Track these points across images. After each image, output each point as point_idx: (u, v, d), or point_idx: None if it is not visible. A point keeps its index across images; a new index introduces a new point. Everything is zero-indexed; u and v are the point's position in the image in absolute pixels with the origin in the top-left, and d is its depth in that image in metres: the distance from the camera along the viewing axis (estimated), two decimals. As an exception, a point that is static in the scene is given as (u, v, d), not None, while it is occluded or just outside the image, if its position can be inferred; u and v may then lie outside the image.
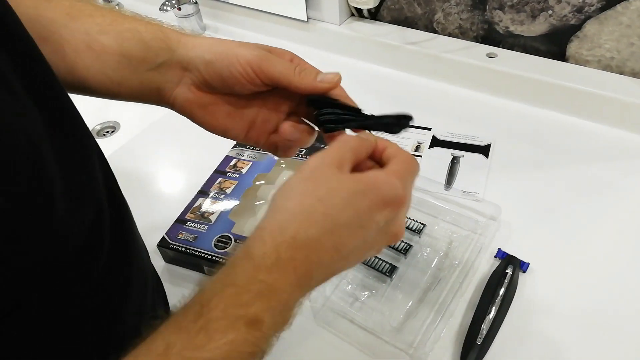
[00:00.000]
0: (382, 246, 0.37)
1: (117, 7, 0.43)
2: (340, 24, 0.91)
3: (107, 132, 0.89)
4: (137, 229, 0.43)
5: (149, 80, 0.41)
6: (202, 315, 0.29)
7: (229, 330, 0.29)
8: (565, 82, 0.74)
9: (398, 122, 0.40)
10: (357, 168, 0.36)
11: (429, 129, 0.75)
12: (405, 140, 0.74)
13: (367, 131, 0.39)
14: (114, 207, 0.37)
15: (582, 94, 0.73)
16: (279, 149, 0.44)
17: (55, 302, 0.30)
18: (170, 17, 1.01)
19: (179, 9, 0.98)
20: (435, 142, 0.73)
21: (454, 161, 0.70)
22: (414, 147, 0.73)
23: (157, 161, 0.76)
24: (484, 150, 0.71)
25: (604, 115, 0.73)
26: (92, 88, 0.41)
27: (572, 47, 0.76)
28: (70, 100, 0.33)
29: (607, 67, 0.75)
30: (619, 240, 0.59)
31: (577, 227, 0.60)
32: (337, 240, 0.33)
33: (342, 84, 0.41)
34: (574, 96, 0.74)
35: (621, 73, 0.75)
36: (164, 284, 0.54)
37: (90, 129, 0.90)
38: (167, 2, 0.97)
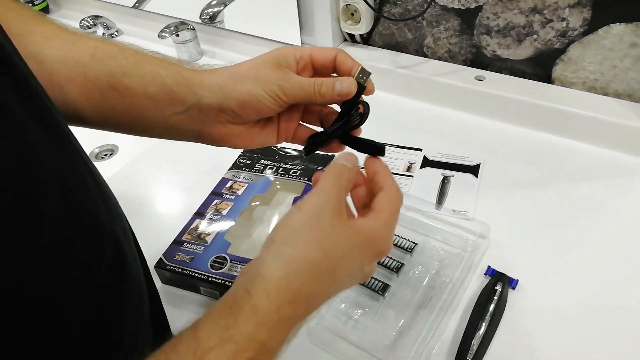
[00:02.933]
0: (357, 283, 0.42)
1: (139, 48, 0.45)
2: (333, 49, 0.94)
3: (106, 154, 0.91)
4: (136, 250, 0.44)
5: (179, 123, 0.44)
6: None
7: None
8: (551, 103, 0.77)
9: (372, 150, 0.44)
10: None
11: (420, 150, 0.77)
12: (397, 161, 0.76)
13: (349, 156, 0.41)
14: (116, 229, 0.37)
15: (568, 114, 0.76)
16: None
17: (47, 319, 0.30)
18: (168, 43, 1.04)
19: (177, 35, 1.01)
20: (426, 163, 0.75)
21: (445, 181, 0.72)
22: (406, 167, 0.75)
23: (155, 183, 0.77)
24: (474, 170, 0.73)
25: (589, 135, 0.75)
26: (120, 127, 0.45)
27: (557, 70, 0.79)
28: (69, 130, 0.34)
29: (591, 89, 0.78)
30: (606, 257, 0.60)
31: (565, 245, 0.62)
32: (332, 288, 0.37)
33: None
34: (560, 117, 0.76)
35: (605, 94, 0.77)
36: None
37: (89, 152, 0.93)
38: (165, 29, 1.00)
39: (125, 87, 0.42)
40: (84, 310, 0.32)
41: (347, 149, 0.45)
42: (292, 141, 0.49)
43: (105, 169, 0.82)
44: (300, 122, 0.48)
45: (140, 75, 0.43)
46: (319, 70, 0.45)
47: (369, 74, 0.43)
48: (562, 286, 0.57)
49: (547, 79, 0.81)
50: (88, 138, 0.45)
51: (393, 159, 0.76)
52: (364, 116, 0.44)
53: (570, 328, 0.53)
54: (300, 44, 0.95)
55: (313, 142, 0.47)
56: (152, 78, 0.43)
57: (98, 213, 0.34)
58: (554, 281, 0.58)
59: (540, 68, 0.80)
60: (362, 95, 0.44)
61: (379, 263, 0.59)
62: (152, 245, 0.63)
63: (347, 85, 0.42)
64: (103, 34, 1.16)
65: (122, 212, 0.40)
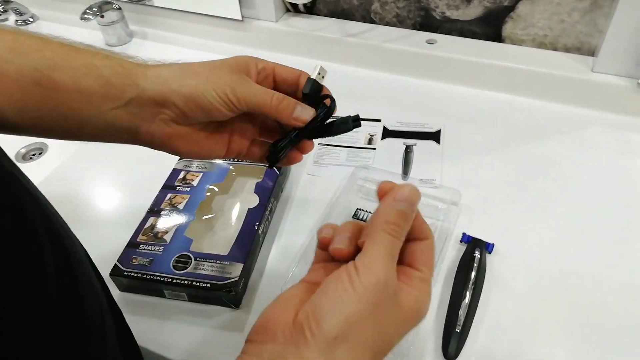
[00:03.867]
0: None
1: (67, 40, 0.39)
2: (276, 21, 0.89)
3: (34, 154, 0.82)
4: (90, 270, 0.38)
5: (116, 119, 0.38)
6: None
7: None
8: (503, 62, 0.76)
9: (346, 126, 0.42)
10: None
11: (379, 120, 0.75)
12: (357, 134, 0.73)
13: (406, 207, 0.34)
14: (58, 250, 0.32)
15: (521, 72, 0.75)
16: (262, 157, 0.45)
17: None
18: (93, 26, 0.95)
19: (102, 16, 0.92)
20: (387, 133, 0.73)
21: (408, 150, 0.70)
22: (367, 139, 0.72)
23: (97, 183, 0.70)
24: (435, 136, 0.72)
25: (543, 92, 0.75)
26: (47, 130, 0.38)
27: (507, 28, 0.78)
28: None
29: (541, 45, 0.78)
30: (573, 209, 0.60)
31: (533, 202, 0.62)
32: None
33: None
34: (514, 75, 0.76)
35: (555, 49, 0.77)
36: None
37: (15, 152, 0.83)
38: (87, 11, 0.90)
39: (54, 82, 0.36)
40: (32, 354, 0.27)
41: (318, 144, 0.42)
42: (246, 158, 0.46)
43: (35, 171, 0.74)
44: (257, 137, 0.45)
45: (71, 68, 0.37)
46: (280, 87, 0.42)
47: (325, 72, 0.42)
48: (536, 243, 0.57)
49: (498, 38, 0.80)
50: (11, 136, 0.39)
51: (352, 132, 0.72)
52: (331, 109, 0.42)
53: (550, 283, 0.53)
54: (240, 18, 0.89)
55: (278, 149, 0.42)
56: (86, 70, 0.37)
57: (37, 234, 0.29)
58: (527, 240, 0.57)
59: (490, 27, 0.79)
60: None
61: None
62: (104, 252, 0.56)
63: (306, 112, 0.40)
64: (16, 21, 1.04)
65: (68, 231, 0.35)
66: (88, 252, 0.38)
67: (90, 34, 0.99)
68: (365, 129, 0.74)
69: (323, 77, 0.42)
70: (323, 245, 0.35)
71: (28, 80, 0.36)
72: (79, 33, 1.00)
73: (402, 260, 0.33)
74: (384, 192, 0.34)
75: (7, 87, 0.36)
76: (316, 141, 0.54)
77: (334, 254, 0.33)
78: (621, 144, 0.69)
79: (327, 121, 0.42)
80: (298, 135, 0.42)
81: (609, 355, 0.47)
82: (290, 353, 0.28)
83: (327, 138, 0.49)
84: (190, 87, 0.38)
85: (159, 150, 0.42)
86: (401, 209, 0.32)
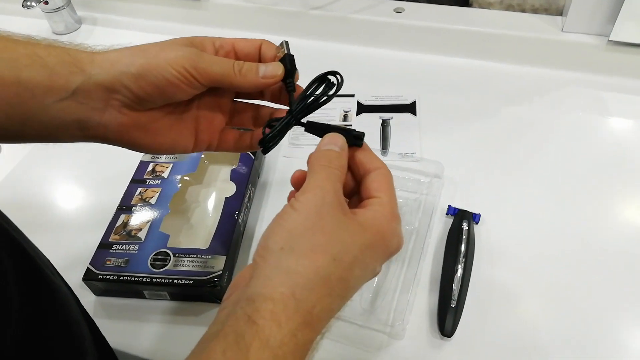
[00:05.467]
0: None
1: (3, 31, 0.35)
2: (235, -3, 0.84)
3: (-13, 157, 0.76)
4: (55, 277, 0.35)
5: (63, 112, 0.34)
6: None
7: None
8: (472, 27, 0.75)
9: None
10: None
11: (352, 96, 0.72)
12: (331, 111, 0.70)
13: (334, 137, 0.36)
14: (17, 259, 0.29)
15: (491, 36, 0.74)
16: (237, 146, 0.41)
17: None
18: (37, 14, 0.88)
19: (46, 2, 0.85)
20: (362, 108, 0.70)
21: (384, 124, 0.68)
22: (342, 116, 0.70)
23: (57, 184, 0.65)
24: (411, 108, 0.70)
25: (514, 55, 0.74)
26: None
27: (475, -8, 0.76)
28: None
29: (509, 7, 0.76)
30: (554, 170, 0.60)
31: (513, 168, 0.61)
32: (345, 300, 0.31)
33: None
34: (484, 40, 0.74)
35: (523, 11, 0.76)
36: (98, 319, 0.46)
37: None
38: (29, -4, 0.83)
39: None
40: None
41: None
42: (219, 148, 0.41)
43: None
44: (228, 125, 0.41)
45: (10, 59, 0.33)
46: (243, 59, 0.38)
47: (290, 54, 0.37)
48: (520, 208, 0.57)
49: (465, 2, 0.78)
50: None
51: (327, 110, 0.70)
52: (335, 86, 0.37)
53: (537, 246, 0.53)
54: (197, -4, 0.84)
55: (275, 131, 0.37)
56: (29, 60, 0.33)
57: None
58: (511, 205, 0.57)
59: (457, -8, 0.77)
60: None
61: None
62: (74, 256, 0.53)
63: (271, 68, 0.36)
64: (-52, 12, 0.95)
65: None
66: (56, 257, 0.35)
67: (34, 23, 0.91)
68: (339, 105, 0.71)
69: (285, 50, 0.38)
70: (296, 186, 0.35)
71: None
72: (23, 23, 0.93)
73: (361, 196, 0.35)
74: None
75: None
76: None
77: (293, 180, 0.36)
78: (594, 103, 0.69)
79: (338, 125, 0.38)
80: (301, 109, 0.37)
81: (605, 319, 0.47)
82: (251, 286, 0.29)
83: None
84: (140, 64, 0.33)
85: (117, 145, 0.37)
86: (326, 149, 0.34)
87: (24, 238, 0.34)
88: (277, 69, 0.36)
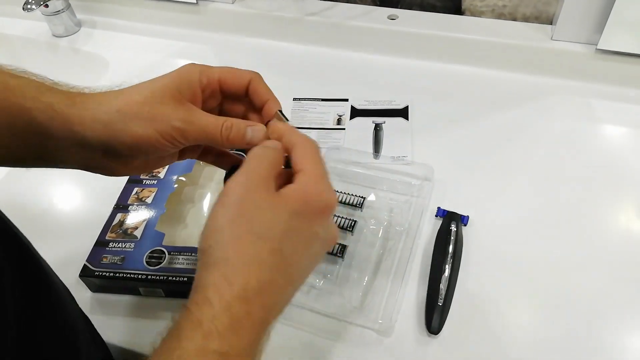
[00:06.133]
0: (324, 253, 0.35)
1: None
2: (233, 2, 0.86)
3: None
4: (53, 276, 0.36)
5: (59, 159, 0.37)
6: None
7: None
8: (464, 34, 0.76)
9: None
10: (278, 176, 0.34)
11: (346, 100, 0.74)
12: (325, 115, 0.72)
13: (270, 141, 0.37)
14: (19, 258, 0.31)
15: (482, 44, 0.76)
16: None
17: None
18: (37, 17, 0.89)
19: (46, 5, 0.86)
20: (355, 112, 0.72)
21: (377, 128, 0.69)
22: (335, 120, 0.71)
23: (56, 183, 0.67)
24: (403, 113, 0.71)
25: (505, 62, 0.76)
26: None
27: (467, 0, 0.78)
28: None
29: (501, 16, 0.78)
30: (542, 176, 0.62)
31: (504, 172, 0.63)
32: (288, 272, 0.31)
33: (244, 67, 0.39)
34: (475, 47, 0.76)
35: (514, 19, 0.78)
36: (94, 316, 0.48)
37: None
38: (30, 0, 0.84)
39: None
40: None
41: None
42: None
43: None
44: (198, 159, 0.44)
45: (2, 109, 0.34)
46: (229, 96, 0.40)
47: (287, 120, 0.39)
48: (508, 212, 0.58)
49: (457, 10, 0.80)
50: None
51: (321, 114, 0.72)
52: None
53: (524, 250, 0.54)
54: (195, 1, 0.85)
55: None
56: (18, 112, 0.34)
57: None
58: (500, 209, 0.58)
59: (449, 0, 0.79)
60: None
61: (330, 225, 0.55)
62: (71, 253, 0.54)
63: (259, 135, 0.37)
64: (-51, 14, 0.97)
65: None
66: (54, 254, 0.36)
67: (35, 26, 0.93)
68: (333, 109, 0.73)
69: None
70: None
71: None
72: (23, 25, 0.94)
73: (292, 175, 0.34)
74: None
75: None
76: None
77: None
78: (582, 110, 0.71)
79: None
80: None
81: (589, 320, 0.49)
82: (195, 280, 0.30)
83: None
84: (133, 134, 0.35)
85: (113, 176, 0.40)
86: (262, 145, 0.35)
87: (24, 237, 0.35)
88: (262, 132, 0.37)
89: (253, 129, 0.37)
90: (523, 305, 0.50)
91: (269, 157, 0.34)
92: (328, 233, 0.34)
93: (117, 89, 0.37)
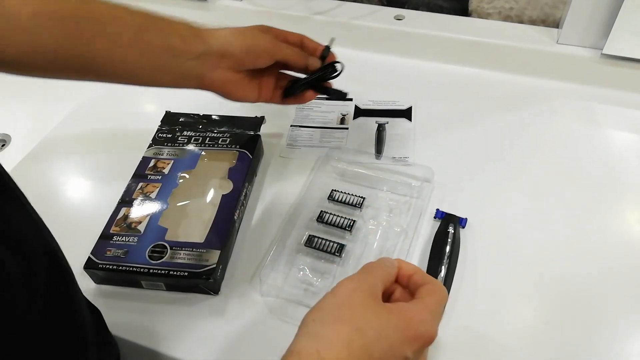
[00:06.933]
0: None
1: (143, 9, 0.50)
2: (241, 0, 0.87)
3: (-3, 147, 0.79)
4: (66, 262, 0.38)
5: (190, 68, 0.50)
6: None
7: None
8: (471, 36, 0.77)
9: (338, 95, 0.60)
10: (386, 293, 0.39)
11: (351, 100, 0.74)
12: (329, 114, 0.72)
13: (388, 258, 0.42)
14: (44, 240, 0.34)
15: (488, 46, 0.76)
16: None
17: None
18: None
19: None
20: (359, 112, 0.73)
21: (380, 129, 0.70)
22: (339, 119, 0.72)
23: (64, 175, 0.68)
24: (407, 113, 0.72)
25: (510, 65, 0.76)
26: (138, 78, 0.50)
27: (474, 2, 0.78)
28: None
29: (507, 18, 0.78)
30: (544, 180, 0.62)
31: (505, 175, 0.63)
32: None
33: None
34: (481, 49, 0.76)
35: (521, 22, 0.78)
36: (98, 306, 0.49)
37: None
38: None
39: (145, 41, 0.48)
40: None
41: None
42: (271, 101, 0.58)
43: (-1, 165, 0.71)
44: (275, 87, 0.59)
45: (159, 30, 0.49)
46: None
47: (329, 49, 0.59)
48: (508, 216, 0.58)
49: (464, 12, 0.80)
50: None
51: (325, 113, 0.73)
52: (336, 71, 0.59)
53: (523, 253, 0.54)
54: (204, -2, 0.86)
55: (293, 85, 0.58)
56: (172, 30, 0.49)
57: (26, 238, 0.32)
58: (499, 213, 0.59)
59: (456, 1, 0.79)
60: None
61: (330, 223, 0.56)
62: (76, 245, 0.55)
63: (315, 63, 0.57)
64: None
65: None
66: (60, 245, 0.38)
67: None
68: (337, 108, 0.73)
69: (327, 52, 0.59)
70: None
71: (127, 39, 0.47)
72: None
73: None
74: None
75: (110, 45, 0.46)
76: (289, 122, 0.71)
77: None
78: (586, 114, 0.71)
79: (329, 81, 0.60)
80: (308, 81, 0.57)
81: (585, 324, 0.49)
82: (290, 345, 0.34)
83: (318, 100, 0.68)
84: (244, 42, 0.51)
85: (216, 93, 0.54)
86: (378, 261, 0.41)
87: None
88: (316, 62, 0.57)
89: (312, 58, 0.57)
90: (519, 309, 0.51)
91: (381, 272, 0.39)
92: (419, 358, 0.36)
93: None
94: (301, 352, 0.33)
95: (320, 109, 0.73)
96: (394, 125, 0.70)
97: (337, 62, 0.58)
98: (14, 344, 0.28)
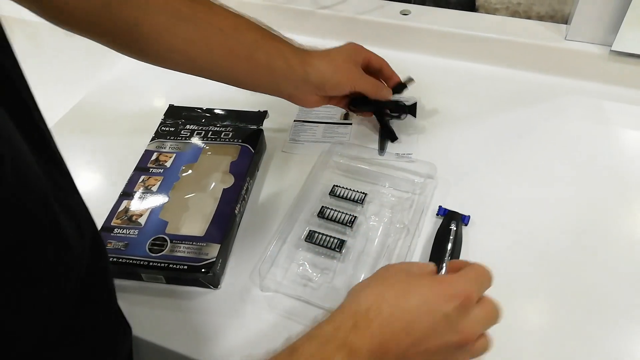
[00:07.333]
0: (454, 347, 0.36)
1: (258, 22, 0.57)
2: (247, -6, 0.86)
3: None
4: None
5: (286, 89, 0.58)
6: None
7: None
8: (477, 32, 0.76)
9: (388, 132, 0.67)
10: None
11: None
12: (333, 109, 0.72)
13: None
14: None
15: (495, 42, 0.75)
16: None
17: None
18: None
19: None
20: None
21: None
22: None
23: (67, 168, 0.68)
24: (411, 109, 0.71)
25: (517, 61, 0.75)
26: (240, 84, 0.58)
27: (481, -3, 0.77)
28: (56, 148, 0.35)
29: (515, 13, 0.77)
30: (549, 178, 0.61)
31: (511, 173, 0.62)
32: (406, 321, 0.35)
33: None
34: (488, 45, 0.75)
35: (528, 17, 0.77)
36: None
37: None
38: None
39: (256, 60, 0.54)
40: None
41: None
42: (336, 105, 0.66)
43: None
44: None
45: (267, 51, 0.55)
46: (369, 69, 0.63)
47: (405, 86, 0.67)
48: (512, 213, 0.58)
49: (471, 7, 0.79)
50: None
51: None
52: (400, 115, 0.67)
53: (525, 252, 0.54)
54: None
55: (361, 102, 0.64)
56: (277, 52, 0.55)
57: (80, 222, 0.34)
58: (503, 210, 0.58)
59: (463, -4, 0.78)
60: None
61: (330, 219, 0.56)
62: (77, 237, 0.55)
63: (387, 94, 0.64)
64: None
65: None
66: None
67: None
68: (341, 103, 0.73)
69: (408, 86, 0.66)
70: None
71: (241, 55, 0.54)
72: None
73: None
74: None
75: (226, 55, 0.54)
76: (292, 116, 0.72)
77: None
78: (594, 112, 0.70)
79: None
80: (374, 110, 0.67)
81: (590, 320, 0.48)
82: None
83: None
84: (337, 80, 0.58)
85: (295, 103, 0.60)
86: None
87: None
88: (389, 94, 0.64)
89: (387, 90, 0.64)
90: (523, 309, 0.50)
91: (476, 273, 0.40)
92: (461, 324, 0.36)
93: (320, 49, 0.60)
94: (336, 313, 0.37)
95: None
96: (398, 121, 0.69)
97: (405, 105, 0.66)
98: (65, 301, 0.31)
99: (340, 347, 0.34)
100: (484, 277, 0.39)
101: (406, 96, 0.67)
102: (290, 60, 0.55)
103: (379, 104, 0.64)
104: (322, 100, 0.61)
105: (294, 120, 0.71)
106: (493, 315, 0.38)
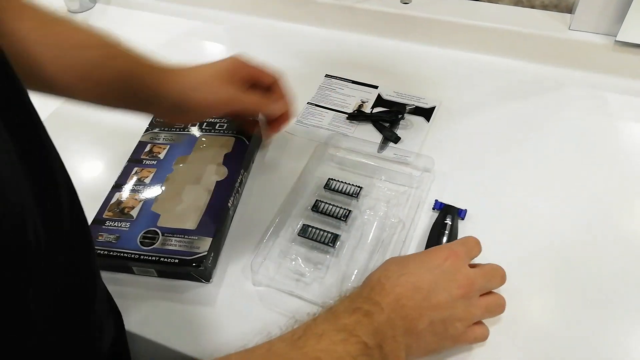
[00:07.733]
0: (452, 294, 0.42)
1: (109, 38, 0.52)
2: (245, -17, 0.85)
3: None
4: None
5: (139, 109, 0.55)
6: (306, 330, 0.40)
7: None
8: (480, 22, 0.74)
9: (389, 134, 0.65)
10: None
11: (376, 87, 0.72)
12: (349, 98, 0.70)
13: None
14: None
15: (498, 32, 0.73)
16: None
17: None
18: (51, -8, 0.90)
19: (61, -19, 0.87)
20: (379, 102, 0.70)
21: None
22: (357, 105, 0.69)
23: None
24: (427, 113, 0.68)
25: (520, 51, 0.73)
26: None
27: (483, -15, 0.75)
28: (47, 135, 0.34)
29: (518, 3, 0.75)
30: (549, 171, 0.60)
31: (511, 166, 0.61)
32: (411, 282, 0.42)
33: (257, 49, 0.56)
34: (491, 35, 0.74)
35: (532, 7, 0.75)
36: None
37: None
38: (44, -25, 0.85)
39: (98, 78, 0.51)
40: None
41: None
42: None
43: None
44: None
45: (111, 69, 0.51)
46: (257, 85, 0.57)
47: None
48: (509, 208, 0.56)
49: (473, -5, 0.77)
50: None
51: (345, 96, 0.71)
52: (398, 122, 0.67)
53: (521, 247, 0.53)
54: (207, -20, 0.85)
55: (358, 113, 0.67)
56: (127, 71, 0.51)
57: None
58: (501, 205, 0.57)
59: (465, -15, 0.76)
60: None
61: (326, 213, 0.55)
62: (68, 230, 0.55)
63: (276, 110, 0.59)
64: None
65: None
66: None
67: (50, 2, 0.93)
68: (359, 93, 0.71)
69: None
70: None
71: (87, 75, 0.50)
72: (39, 1, 0.95)
73: None
74: None
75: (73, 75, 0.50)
76: (305, 99, 0.72)
77: None
78: (598, 103, 0.68)
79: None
80: (371, 119, 0.67)
81: (590, 311, 0.48)
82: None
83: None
84: (197, 99, 0.52)
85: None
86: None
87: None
88: (279, 111, 0.59)
89: (273, 107, 0.58)
90: (519, 305, 0.49)
91: (470, 244, 0.48)
92: (456, 272, 0.43)
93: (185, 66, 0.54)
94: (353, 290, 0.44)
95: (342, 91, 0.71)
96: (407, 124, 0.67)
97: (401, 114, 0.65)
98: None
99: (366, 300, 0.41)
100: (471, 243, 0.47)
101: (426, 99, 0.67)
102: (143, 77, 0.51)
103: (371, 115, 0.66)
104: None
105: (308, 102, 0.70)
106: (495, 274, 0.47)
